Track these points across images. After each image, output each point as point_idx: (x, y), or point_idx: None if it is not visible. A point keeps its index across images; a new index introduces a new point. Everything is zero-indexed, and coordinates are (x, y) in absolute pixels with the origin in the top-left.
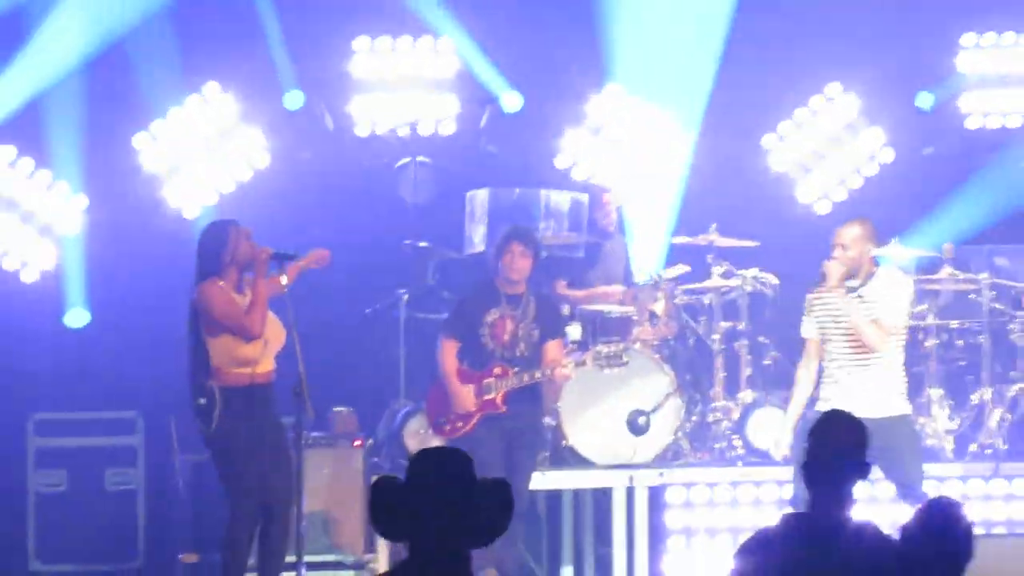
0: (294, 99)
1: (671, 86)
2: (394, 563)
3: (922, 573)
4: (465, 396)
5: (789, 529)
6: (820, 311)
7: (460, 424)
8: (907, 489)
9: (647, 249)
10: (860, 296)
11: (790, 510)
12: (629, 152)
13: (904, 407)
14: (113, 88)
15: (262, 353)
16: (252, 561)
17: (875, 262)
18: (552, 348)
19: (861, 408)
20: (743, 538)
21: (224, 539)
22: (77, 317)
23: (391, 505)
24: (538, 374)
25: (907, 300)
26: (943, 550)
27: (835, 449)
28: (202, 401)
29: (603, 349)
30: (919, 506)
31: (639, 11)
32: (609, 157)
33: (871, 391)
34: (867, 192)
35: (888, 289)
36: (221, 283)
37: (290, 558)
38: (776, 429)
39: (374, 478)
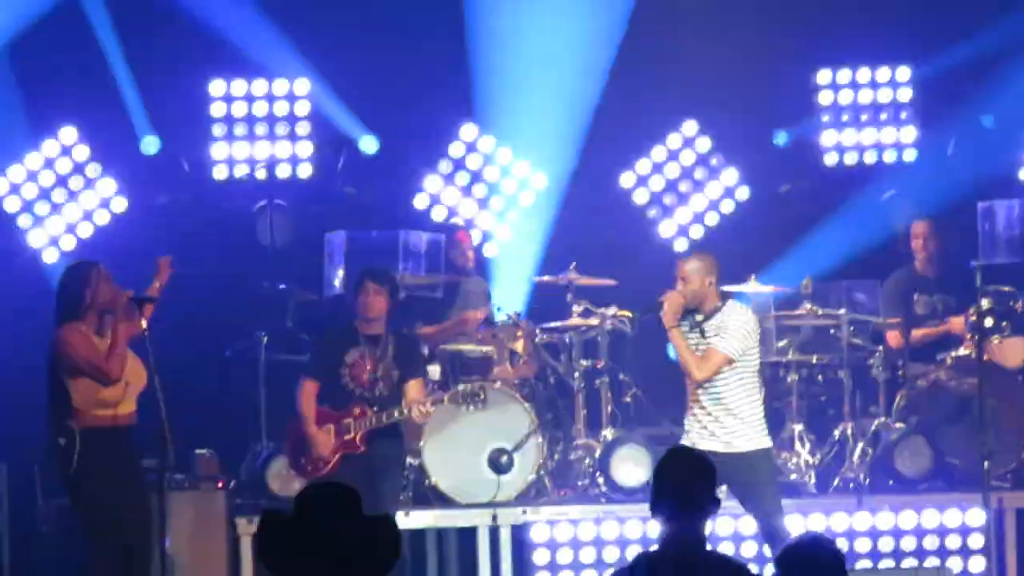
0: (150, 144)
1: (530, 126)
2: None
3: None
4: (323, 442)
5: (646, 567)
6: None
7: (321, 464)
8: (767, 521)
9: (509, 288)
10: (702, 330)
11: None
12: (486, 192)
13: (761, 441)
14: None
15: (123, 395)
16: None
17: (722, 297)
18: (413, 387)
19: (719, 443)
20: None
21: None
22: None
23: (278, 540)
24: (396, 413)
25: (742, 331)
26: None
27: (681, 485)
28: (62, 441)
29: (463, 388)
30: (792, 540)
31: (498, 51)
32: (467, 198)
33: (727, 425)
34: (725, 229)
35: (724, 320)
36: (82, 327)
37: None
38: (639, 465)
39: (262, 513)
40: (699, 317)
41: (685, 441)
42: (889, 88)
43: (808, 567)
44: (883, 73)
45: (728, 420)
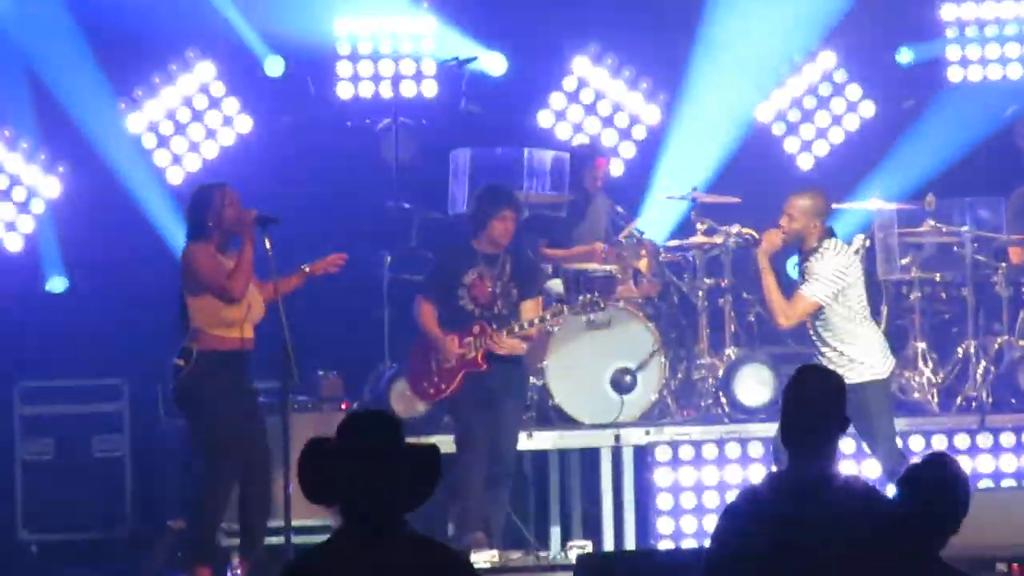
0: (274, 65)
1: (650, 45)
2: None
3: (920, 529)
4: (450, 345)
5: (774, 487)
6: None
7: (444, 386)
8: (879, 453)
9: (634, 207)
10: (802, 270)
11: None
12: (610, 110)
13: (870, 372)
14: (96, 54)
15: (245, 316)
16: (236, 526)
17: (821, 237)
18: (529, 306)
19: None
20: (730, 496)
21: (195, 501)
22: (57, 284)
23: (318, 467)
24: (516, 328)
25: (831, 276)
26: (942, 505)
27: (811, 404)
28: (179, 362)
29: (582, 299)
30: (916, 461)
31: None
32: (591, 116)
33: (833, 359)
34: (849, 146)
35: (815, 264)
36: (209, 246)
37: (277, 523)
38: (762, 384)
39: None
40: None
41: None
42: (1013, 2)
43: (932, 487)
44: None
45: (832, 354)
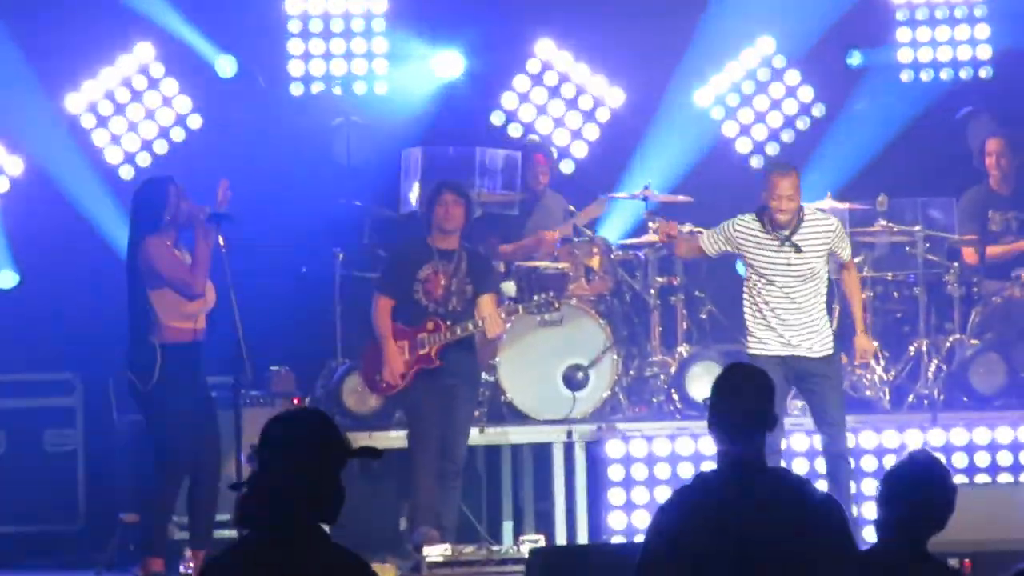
0: (226, 65)
1: (608, 41)
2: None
3: (908, 524)
4: (396, 361)
5: (706, 483)
6: (755, 250)
7: (396, 380)
8: (830, 429)
9: (585, 205)
10: (796, 245)
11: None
12: (563, 109)
13: (833, 346)
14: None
15: (200, 310)
16: (184, 519)
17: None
18: (485, 302)
19: (798, 349)
20: None
21: (148, 494)
22: (7, 279)
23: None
24: (470, 326)
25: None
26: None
27: (741, 401)
28: (142, 356)
29: (536, 298)
30: (903, 458)
31: None
32: (543, 115)
33: (806, 334)
34: (800, 146)
35: (819, 227)
36: (165, 240)
37: (224, 516)
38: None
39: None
40: (786, 232)
41: (757, 348)
42: (964, 6)
43: (917, 487)
44: None
45: (806, 329)
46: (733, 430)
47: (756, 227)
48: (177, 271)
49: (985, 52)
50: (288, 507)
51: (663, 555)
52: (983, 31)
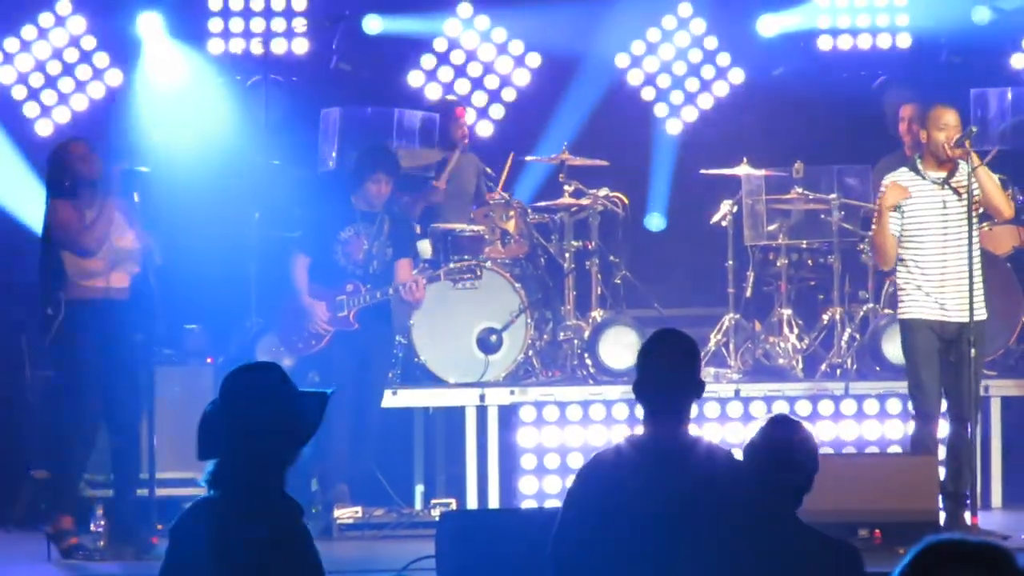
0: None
1: (521, 2)
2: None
3: (772, 488)
4: (319, 310)
5: (627, 451)
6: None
7: (313, 342)
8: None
9: (501, 167)
10: (955, 189)
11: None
12: (481, 71)
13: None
14: None
15: (106, 268)
16: (99, 477)
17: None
18: (403, 266)
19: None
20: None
21: (57, 450)
22: None
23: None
24: (391, 291)
25: None
26: (791, 467)
27: (667, 367)
28: (49, 311)
29: (456, 265)
30: (763, 425)
31: None
32: (461, 77)
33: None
34: (718, 112)
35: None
36: (70, 201)
37: (143, 475)
38: (626, 347)
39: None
40: (943, 174)
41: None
42: None
43: (781, 449)
44: None
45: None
46: (658, 396)
47: (910, 176)
48: (67, 231)
49: (903, 20)
50: (264, 474)
51: (582, 522)
52: None
